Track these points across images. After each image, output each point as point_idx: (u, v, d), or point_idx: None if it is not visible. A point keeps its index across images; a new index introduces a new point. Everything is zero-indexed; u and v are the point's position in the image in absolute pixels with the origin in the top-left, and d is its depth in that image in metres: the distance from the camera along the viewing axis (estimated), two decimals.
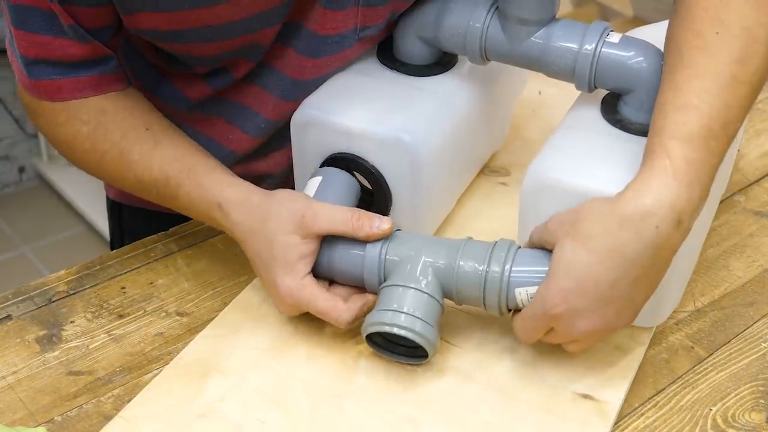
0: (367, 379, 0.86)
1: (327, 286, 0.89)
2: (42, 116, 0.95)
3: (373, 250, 0.87)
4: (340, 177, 0.93)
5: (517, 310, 0.84)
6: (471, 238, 0.87)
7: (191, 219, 1.06)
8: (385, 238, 0.87)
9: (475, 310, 0.91)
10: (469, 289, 0.85)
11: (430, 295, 0.84)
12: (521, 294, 0.83)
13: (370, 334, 0.85)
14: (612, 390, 0.85)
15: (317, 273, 0.89)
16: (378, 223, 0.87)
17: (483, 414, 0.83)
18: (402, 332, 0.83)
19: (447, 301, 0.87)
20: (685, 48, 0.83)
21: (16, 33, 0.89)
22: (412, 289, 0.84)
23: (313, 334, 0.90)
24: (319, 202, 0.88)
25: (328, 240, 0.88)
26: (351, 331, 0.90)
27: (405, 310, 0.83)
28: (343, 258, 0.88)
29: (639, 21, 1.66)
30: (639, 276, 0.79)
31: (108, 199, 1.22)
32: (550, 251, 0.82)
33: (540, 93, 1.22)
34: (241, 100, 1.02)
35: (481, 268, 0.84)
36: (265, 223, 0.88)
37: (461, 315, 0.92)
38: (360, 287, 0.89)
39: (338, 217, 0.87)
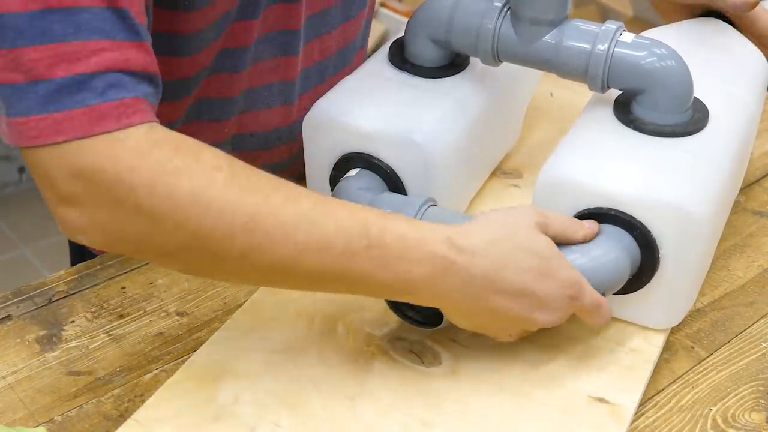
0: (380, 380, 0.86)
1: None
2: (120, 169, 0.70)
3: (407, 216, 0.87)
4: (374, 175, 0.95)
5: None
6: None
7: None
8: (425, 204, 0.88)
9: None
10: None
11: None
12: None
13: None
14: (626, 393, 0.85)
15: None
16: (589, 225, 0.84)
17: (496, 416, 0.83)
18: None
19: None
20: None
21: (35, 50, 0.68)
22: None
23: (325, 335, 0.90)
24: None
25: (366, 200, 0.89)
26: (363, 333, 0.90)
27: None
28: None
29: (639, 21, 1.66)
30: None
31: (84, 249, 1.13)
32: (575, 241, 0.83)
33: (552, 95, 1.23)
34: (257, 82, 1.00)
35: None
36: (512, 232, 0.79)
37: None
38: None
39: (565, 219, 0.83)
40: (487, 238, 0.79)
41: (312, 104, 0.97)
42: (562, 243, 0.83)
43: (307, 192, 0.77)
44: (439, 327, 0.86)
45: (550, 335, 0.89)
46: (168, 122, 0.95)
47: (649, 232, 0.84)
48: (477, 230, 0.79)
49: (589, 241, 0.84)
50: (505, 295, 0.79)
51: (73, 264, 1.18)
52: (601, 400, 0.84)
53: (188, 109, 0.99)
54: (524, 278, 0.79)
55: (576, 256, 0.83)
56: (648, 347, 0.89)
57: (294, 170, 1.07)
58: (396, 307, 0.87)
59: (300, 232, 0.74)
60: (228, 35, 0.95)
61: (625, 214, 0.84)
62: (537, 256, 0.79)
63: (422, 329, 0.87)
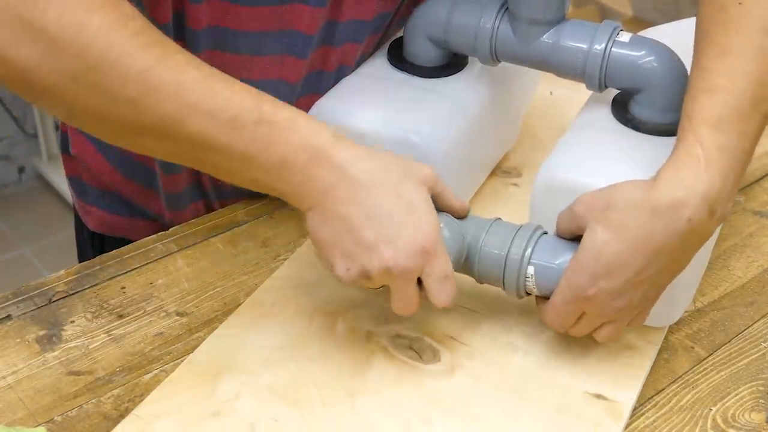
0: (379, 377, 0.86)
1: None
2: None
3: None
4: None
5: (544, 298, 0.85)
6: (500, 218, 0.88)
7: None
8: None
9: (486, 309, 0.92)
10: (490, 268, 0.85)
11: (455, 235, 0.84)
12: (530, 278, 0.84)
13: None
14: (624, 390, 0.85)
15: None
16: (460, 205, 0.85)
17: (495, 413, 0.83)
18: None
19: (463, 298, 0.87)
20: (710, 25, 0.81)
21: None
22: (447, 216, 0.85)
23: (325, 332, 0.90)
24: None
25: None
26: (363, 330, 0.90)
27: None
28: None
29: (639, 21, 1.66)
30: (668, 263, 0.80)
31: (84, 232, 1.17)
32: (573, 240, 0.83)
33: (551, 94, 1.23)
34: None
35: (503, 248, 0.84)
36: (399, 167, 0.80)
37: (471, 314, 0.92)
38: None
39: (451, 197, 0.84)
40: (374, 156, 0.79)
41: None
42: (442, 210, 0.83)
43: (209, 65, 0.77)
44: None
45: (548, 332, 0.90)
46: None
47: None
48: (368, 148, 0.80)
49: (463, 216, 0.85)
50: (363, 210, 0.78)
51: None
52: (599, 397, 0.84)
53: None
54: (388, 202, 0.78)
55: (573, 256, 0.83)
56: (646, 345, 0.89)
57: None
58: None
59: (193, 92, 0.75)
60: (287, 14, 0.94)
61: None
62: (410, 195, 0.79)
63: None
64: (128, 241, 1.05)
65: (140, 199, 1.10)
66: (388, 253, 0.78)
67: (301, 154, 0.77)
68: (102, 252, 1.07)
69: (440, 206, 0.84)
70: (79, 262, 1.17)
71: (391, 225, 0.78)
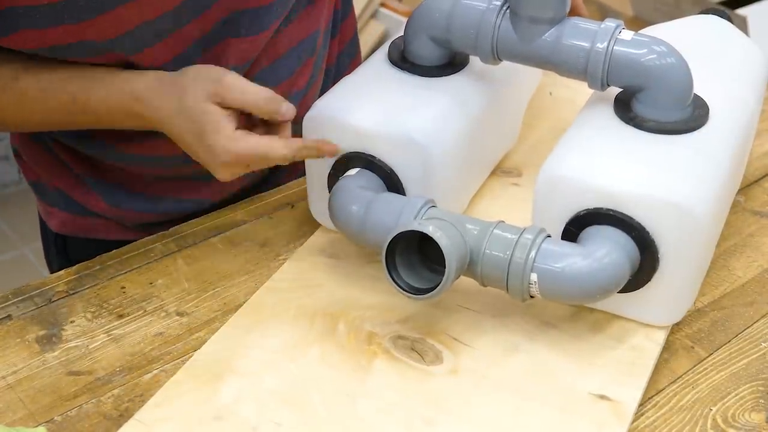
0: (381, 379, 0.86)
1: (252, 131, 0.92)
2: None
3: (407, 216, 0.88)
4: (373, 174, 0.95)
5: None
6: (502, 221, 0.88)
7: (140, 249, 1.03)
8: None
9: (488, 310, 0.92)
10: (493, 273, 0.85)
11: (456, 244, 0.84)
12: (533, 284, 0.84)
13: (390, 265, 0.85)
14: (628, 390, 0.85)
15: (349, 231, 0.91)
16: (286, 108, 0.91)
17: (498, 414, 0.83)
18: (434, 233, 0.82)
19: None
20: None
21: None
22: (447, 223, 0.86)
23: (326, 335, 0.90)
24: (235, 75, 0.91)
25: (365, 198, 0.90)
26: (364, 332, 0.90)
27: (434, 224, 0.84)
28: (376, 217, 0.89)
29: (639, 21, 1.66)
30: None
31: (48, 233, 1.19)
32: (575, 241, 0.83)
33: (551, 94, 1.22)
34: None
35: (506, 253, 0.84)
36: (183, 99, 0.90)
37: (473, 314, 0.92)
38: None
39: (251, 92, 0.90)
40: (163, 97, 0.92)
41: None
42: (260, 116, 0.91)
43: (34, 82, 0.94)
44: (428, 296, 0.85)
45: (551, 332, 0.90)
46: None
47: (648, 233, 0.84)
48: (161, 92, 0.92)
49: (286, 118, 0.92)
50: (181, 144, 0.93)
51: (53, 260, 1.19)
52: (602, 397, 0.84)
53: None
54: (192, 148, 0.92)
55: (576, 260, 0.83)
56: (649, 344, 0.89)
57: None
58: (389, 274, 0.86)
59: (36, 112, 0.96)
60: None
61: (624, 215, 0.84)
62: (195, 132, 0.90)
63: (412, 299, 0.86)
64: (91, 240, 1.05)
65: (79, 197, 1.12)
66: (218, 175, 0.92)
67: (132, 108, 0.94)
68: (66, 253, 1.08)
69: (241, 104, 0.90)
70: (47, 263, 1.19)
71: (199, 154, 0.91)
